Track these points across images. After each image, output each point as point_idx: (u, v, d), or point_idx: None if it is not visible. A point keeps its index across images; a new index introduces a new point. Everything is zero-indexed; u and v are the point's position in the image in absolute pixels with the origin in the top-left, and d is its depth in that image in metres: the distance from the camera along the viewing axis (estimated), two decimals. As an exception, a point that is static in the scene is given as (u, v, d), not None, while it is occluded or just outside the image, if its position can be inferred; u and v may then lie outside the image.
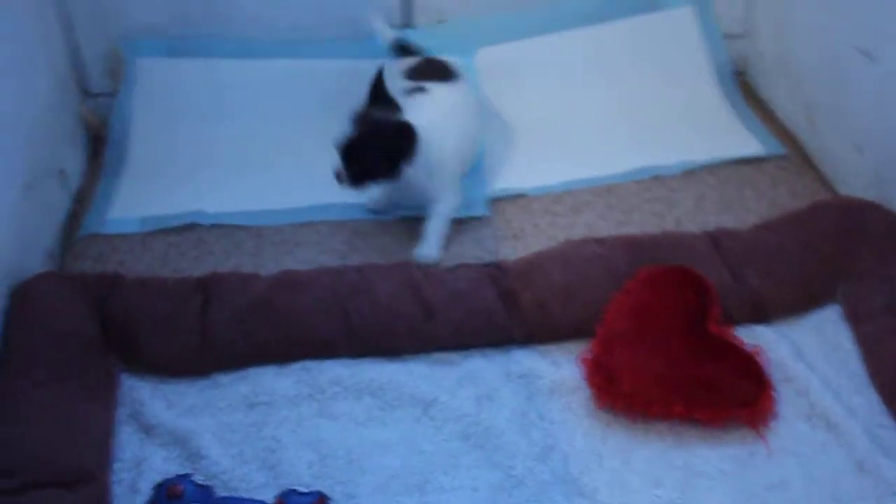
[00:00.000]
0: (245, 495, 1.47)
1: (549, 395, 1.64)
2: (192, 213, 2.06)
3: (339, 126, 1.86)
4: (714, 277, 1.75)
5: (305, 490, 1.45)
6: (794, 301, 1.79)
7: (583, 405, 1.62)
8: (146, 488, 1.48)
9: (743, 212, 2.05)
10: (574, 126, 2.31)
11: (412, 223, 2.03)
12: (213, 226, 2.04)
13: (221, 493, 1.48)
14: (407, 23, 2.41)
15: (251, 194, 2.13)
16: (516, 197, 2.11)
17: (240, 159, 2.23)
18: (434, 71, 2.12)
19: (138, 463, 1.55)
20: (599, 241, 1.84)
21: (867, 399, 1.63)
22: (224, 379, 1.69)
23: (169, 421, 1.61)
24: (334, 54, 2.39)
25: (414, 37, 2.37)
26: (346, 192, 2.05)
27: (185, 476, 1.47)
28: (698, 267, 1.76)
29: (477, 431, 1.58)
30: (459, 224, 2.02)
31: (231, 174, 2.18)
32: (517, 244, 1.97)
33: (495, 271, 1.80)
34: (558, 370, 1.68)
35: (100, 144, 2.26)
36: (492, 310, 1.73)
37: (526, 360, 1.70)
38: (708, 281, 1.72)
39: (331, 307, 1.74)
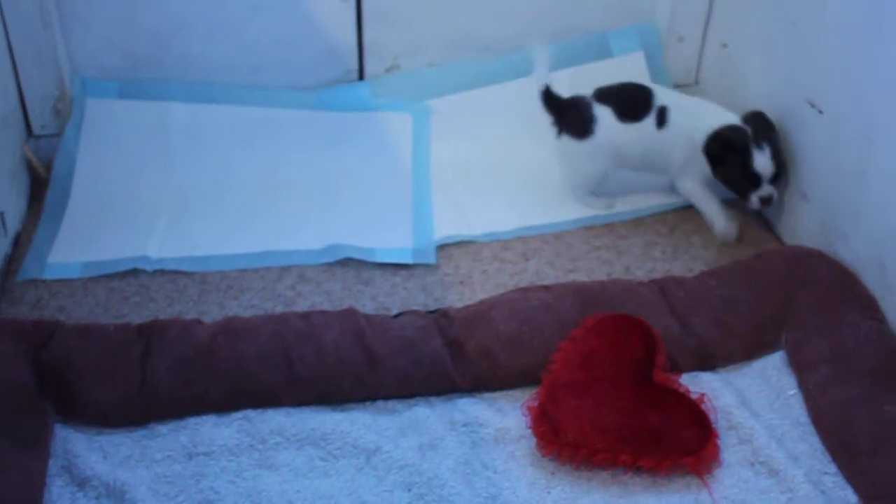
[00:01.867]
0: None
1: (493, 444, 1.62)
2: (136, 258, 2.03)
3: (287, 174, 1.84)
4: (661, 325, 1.75)
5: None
6: (740, 349, 1.79)
7: (528, 454, 1.61)
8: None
9: (690, 259, 2.06)
10: (525, 173, 2.31)
11: (360, 268, 2.02)
12: (157, 271, 2.01)
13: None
14: (360, 67, 2.42)
15: (196, 239, 2.10)
16: (465, 244, 2.10)
17: (185, 204, 2.20)
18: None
19: (69, 518, 1.51)
20: (547, 289, 1.83)
21: (810, 446, 1.63)
22: (162, 429, 1.65)
23: (104, 473, 1.56)
24: (286, 104, 2.38)
25: (365, 89, 2.38)
26: (294, 238, 2.05)
27: (118, 530, 1.43)
28: (645, 315, 1.76)
29: (420, 481, 1.55)
30: (407, 270, 2.01)
31: (176, 219, 2.15)
32: (465, 291, 1.96)
33: (441, 319, 1.78)
34: (503, 418, 1.66)
35: (41, 187, 2.22)
36: (437, 358, 1.72)
37: (471, 408, 1.68)
38: (654, 329, 1.72)
39: (274, 356, 1.71)
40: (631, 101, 2.13)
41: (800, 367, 1.74)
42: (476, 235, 2.11)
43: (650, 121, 2.11)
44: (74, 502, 1.52)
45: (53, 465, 1.58)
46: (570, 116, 2.15)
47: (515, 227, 2.14)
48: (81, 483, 1.55)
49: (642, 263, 2.04)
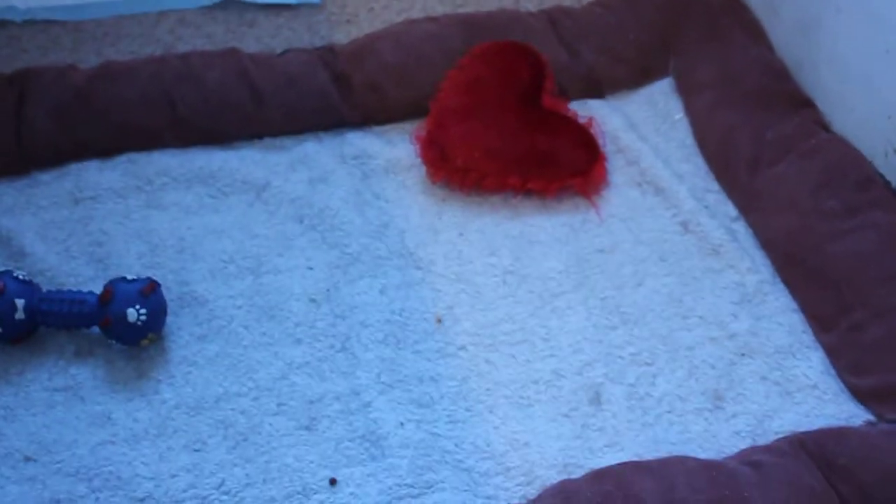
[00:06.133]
0: (72, 290, 1.42)
1: (383, 175, 1.62)
2: (2, 8, 1.91)
3: None
4: (550, 54, 1.74)
5: (135, 277, 1.41)
6: (628, 75, 1.79)
7: (418, 182, 1.61)
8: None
9: (580, -9, 2.02)
10: None
11: (242, 10, 1.94)
12: (27, 21, 1.90)
13: (48, 288, 1.43)
14: None
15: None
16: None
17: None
18: None
19: (-45, 266, 1.48)
20: (433, 20, 1.79)
21: (695, 166, 1.67)
22: (45, 177, 1.60)
23: (-12, 221, 1.53)
24: None
25: None
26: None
27: (4, 272, 1.40)
28: (534, 44, 1.74)
29: (311, 213, 1.56)
30: (291, 11, 1.94)
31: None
32: (351, 29, 1.91)
33: (327, 54, 1.74)
34: (393, 149, 1.65)
35: None
36: (324, 93, 1.68)
37: (360, 141, 1.67)
38: (542, 55, 1.70)
39: (155, 97, 1.65)
40: None
41: (686, 92, 1.76)
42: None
43: None
44: (-41, 252, 1.50)
45: (-67, 219, 1.54)
46: None
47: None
48: (-35, 234, 1.52)
49: (532, -4, 2.01)
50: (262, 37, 1.89)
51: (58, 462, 1.27)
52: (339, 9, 1.96)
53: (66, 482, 1.26)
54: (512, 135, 1.62)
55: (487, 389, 1.35)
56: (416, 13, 1.94)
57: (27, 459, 1.28)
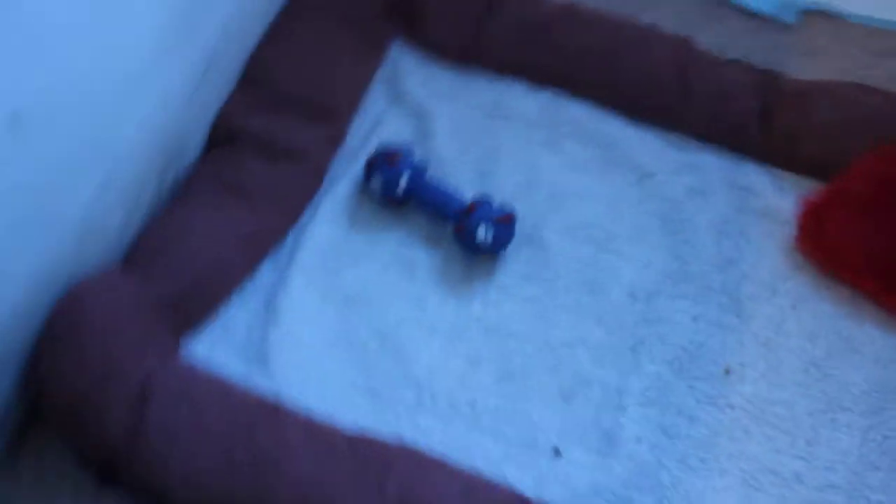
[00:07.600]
0: (450, 187, 1.61)
1: (757, 216, 1.64)
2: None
3: None
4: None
5: (499, 205, 1.57)
6: None
7: (783, 239, 1.62)
8: (375, 144, 1.66)
9: None
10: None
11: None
12: None
13: (431, 174, 1.63)
14: None
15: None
16: (833, 16, 1.97)
17: None
18: None
19: (378, 122, 1.72)
20: (883, 94, 1.73)
21: None
22: (480, 79, 1.78)
23: (419, 96, 1.74)
24: None
25: None
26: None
27: (407, 150, 1.62)
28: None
29: (674, 219, 1.63)
30: (760, 21, 1.93)
31: None
32: (808, 63, 1.86)
33: (768, 80, 1.74)
34: (779, 197, 1.66)
35: None
36: (742, 117, 1.70)
37: (754, 175, 1.68)
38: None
39: (597, 52, 1.76)
40: None
41: None
42: (846, 12, 1.96)
43: None
44: (385, 110, 1.74)
45: (381, 73, 1.78)
46: None
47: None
48: (397, 97, 1.75)
49: None
50: (722, 34, 1.90)
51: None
52: (809, 38, 1.92)
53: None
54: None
55: (730, 455, 1.40)
56: (878, 75, 1.85)
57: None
